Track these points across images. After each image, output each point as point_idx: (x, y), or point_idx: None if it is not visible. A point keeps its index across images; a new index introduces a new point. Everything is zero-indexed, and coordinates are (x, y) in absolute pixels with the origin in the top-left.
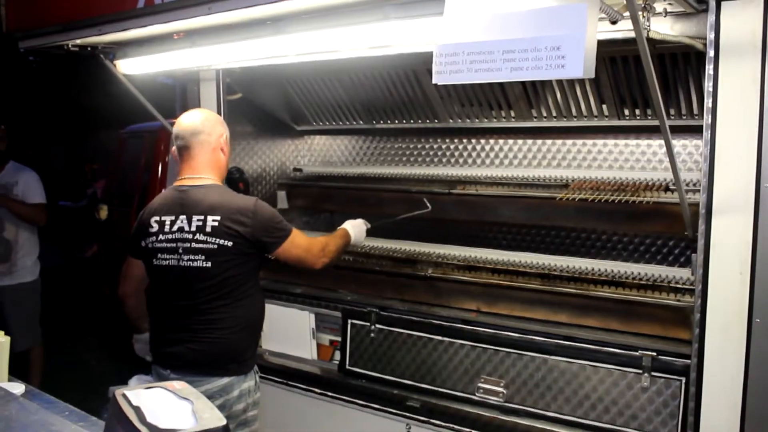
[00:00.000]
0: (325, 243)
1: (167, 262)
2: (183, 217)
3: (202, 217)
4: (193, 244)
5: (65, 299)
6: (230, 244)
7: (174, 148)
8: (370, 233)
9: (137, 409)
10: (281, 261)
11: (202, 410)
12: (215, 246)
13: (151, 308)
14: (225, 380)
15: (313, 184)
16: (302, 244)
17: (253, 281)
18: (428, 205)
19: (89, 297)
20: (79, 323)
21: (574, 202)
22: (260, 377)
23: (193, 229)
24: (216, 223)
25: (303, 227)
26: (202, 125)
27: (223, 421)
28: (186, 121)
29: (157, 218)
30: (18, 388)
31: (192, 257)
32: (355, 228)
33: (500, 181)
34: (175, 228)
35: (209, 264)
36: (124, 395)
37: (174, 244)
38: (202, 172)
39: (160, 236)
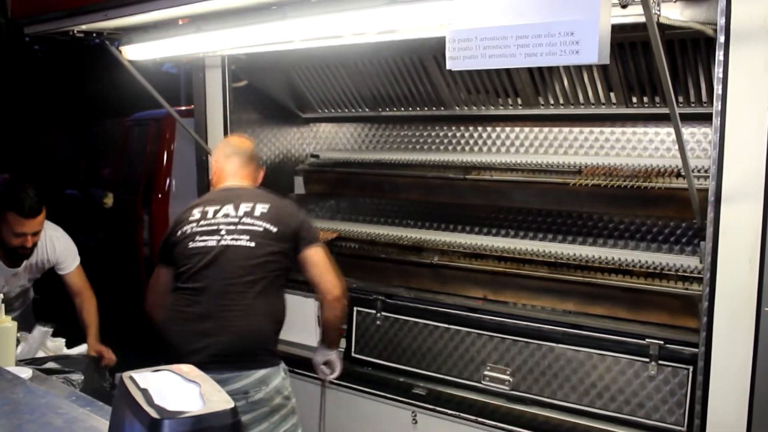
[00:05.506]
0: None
1: (205, 243)
2: (229, 205)
3: (251, 204)
4: (239, 226)
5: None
6: (275, 229)
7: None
8: (378, 220)
9: (144, 392)
10: (303, 267)
11: (209, 393)
12: (261, 228)
13: (174, 304)
14: (262, 372)
15: (330, 170)
16: (327, 257)
17: (284, 279)
18: None
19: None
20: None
21: (587, 187)
22: None
23: (240, 213)
24: (265, 210)
25: (318, 213)
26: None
27: (231, 404)
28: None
29: (201, 208)
30: (26, 372)
31: (236, 237)
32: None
33: (514, 167)
34: (219, 214)
35: (253, 244)
36: (131, 378)
37: (216, 227)
38: (241, 179)
39: (202, 222)
